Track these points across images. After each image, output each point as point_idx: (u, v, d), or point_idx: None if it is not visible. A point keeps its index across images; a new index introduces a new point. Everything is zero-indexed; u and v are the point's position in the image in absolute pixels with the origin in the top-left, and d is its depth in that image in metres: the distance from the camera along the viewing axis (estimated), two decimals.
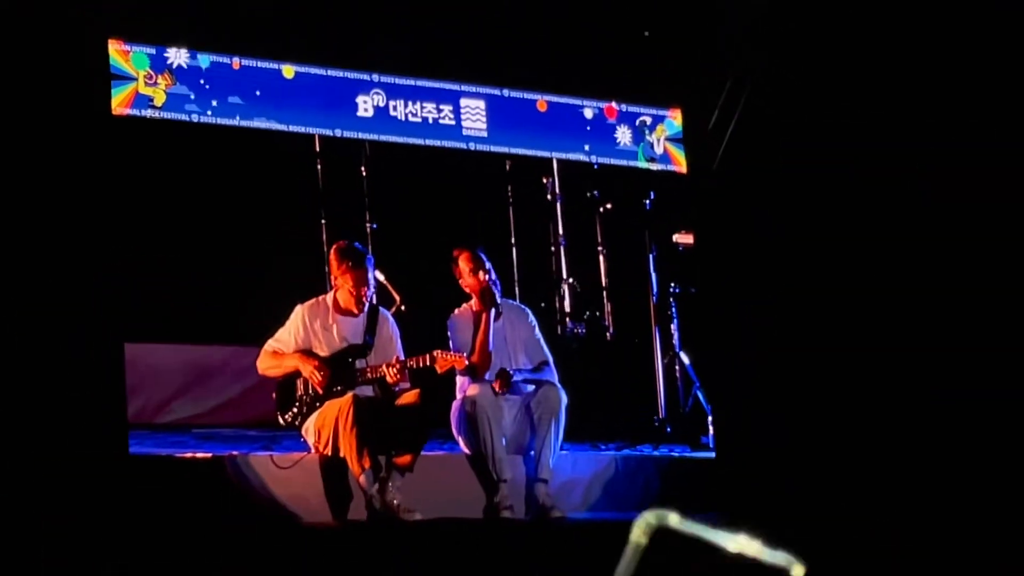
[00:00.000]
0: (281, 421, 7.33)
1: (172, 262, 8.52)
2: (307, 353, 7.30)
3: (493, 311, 7.55)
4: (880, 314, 7.78)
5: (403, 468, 7.10)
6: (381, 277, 8.36)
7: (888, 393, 7.70)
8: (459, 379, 7.59)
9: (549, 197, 10.15)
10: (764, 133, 7.98)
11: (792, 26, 8.07)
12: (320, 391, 7.22)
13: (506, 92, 8.74)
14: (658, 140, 9.12)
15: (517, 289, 9.62)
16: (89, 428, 6.18)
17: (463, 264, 7.62)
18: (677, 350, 9.66)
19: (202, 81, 7.81)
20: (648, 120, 9.11)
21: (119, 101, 7.47)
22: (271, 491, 7.11)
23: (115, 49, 7.48)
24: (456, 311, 7.71)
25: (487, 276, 7.58)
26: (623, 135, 9.07)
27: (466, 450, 7.48)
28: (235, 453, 7.32)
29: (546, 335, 7.96)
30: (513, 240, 9.89)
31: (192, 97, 7.76)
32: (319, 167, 8.95)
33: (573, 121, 8.94)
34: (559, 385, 7.60)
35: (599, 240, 10.17)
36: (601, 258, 10.22)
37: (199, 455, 7.32)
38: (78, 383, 6.18)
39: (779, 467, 7.78)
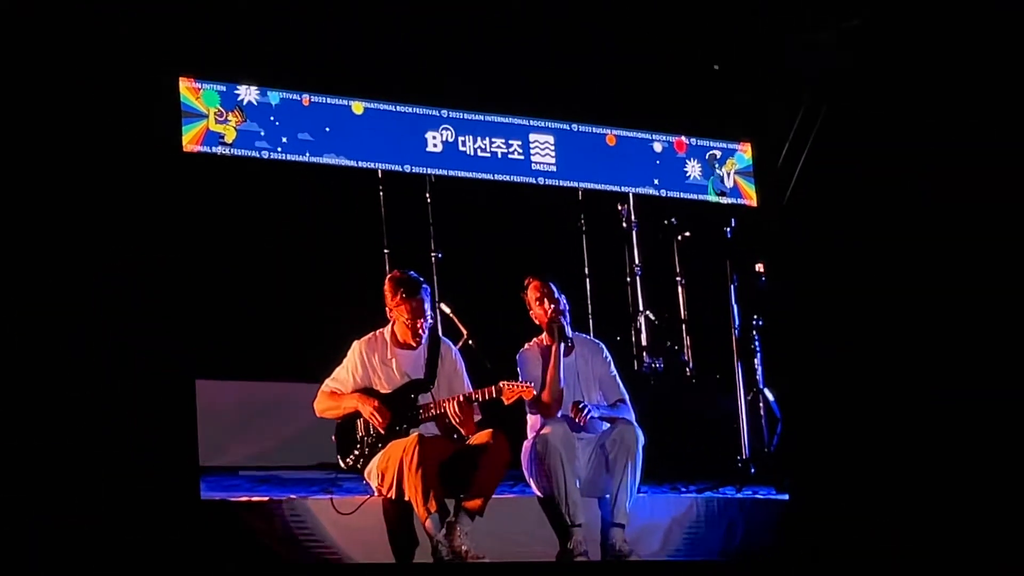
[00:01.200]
0: (342, 464, 7.30)
1: (234, 297, 8.60)
2: (366, 392, 7.27)
3: (563, 346, 7.52)
4: (958, 349, 8.03)
5: (473, 512, 7.01)
6: (447, 310, 8.48)
7: (970, 431, 7.88)
8: (530, 418, 7.55)
9: (624, 225, 10.11)
10: (835, 166, 8.30)
11: (862, 59, 8.39)
12: (382, 431, 7.17)
13: (575, 127, 8.88)
14: (728, 174, 9.19)
15: (591, 322, 9.55)
16: (158, 472, 6.41)
17: (531, 293, 7.63)
18: (761, 386, 9.60)
19: (272, 118, 8.03)
20: (718, 154, 9.20)
21: (190, 138, 7.69)
22: (331, 537, 7.07)
23: (186, 87, 7.71)
24: (526, 345, 7.70)
25: (553, 307, 7.56)
26: (693, 169, 9.16)
27: (538, 492, 7.41)
28: (292, 497, 7.30)
29: (622, 370, 7.91)
30: (587, 270, 9.82)
31: (262, 134, 7.99)
32: (381, 195, 9.03)
33: (642, 155, 9.06)
34: (636, 424, 7.54)
35: (677, 270, 10.13)
36: (680, 289, 10.16)
37: (255, 499, 7.24)
38: (147, 423, 6.40)
39: (855, 509, 7.94)
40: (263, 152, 7.99)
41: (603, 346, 7.85)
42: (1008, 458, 8.07)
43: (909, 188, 8.35)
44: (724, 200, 9.24)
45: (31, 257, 6.39)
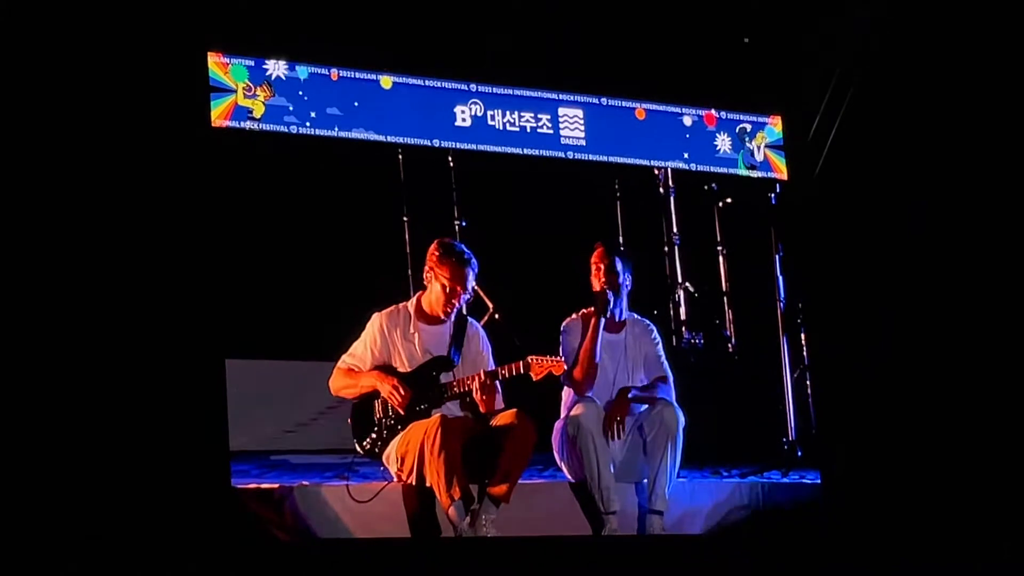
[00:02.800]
0: (359, 448, 7.23)
1: (253, 273, 8.72)
2: (385, 370, 7.21)
3: (602, 320, 7.52)
4: (998, 323, 8.17)
5: (498, 498, 6.96)
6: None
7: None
8: (564, 396, 7.55)
9: (661, 190, 10.10)
10: (866, 140, 8.57)
11: (893, 31, 8.66)
12: (402, 412, 7.11)
13: (604, 100, 9.11)
14: (758, 147, 9.42)
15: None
16: (188, 458, 6.50)
17: (593, 259, 7.66)
18: (808, 363, 9.58)
19: (300, 92, 8.31)
20: (748, 127, 9.45)
21: (218, 113, 7.96)
22: (347, 527, 7.01)
23: (214, 61, 7.98)
24: (573, 315, 7.70)
25: (609, 278, 7.59)
26: (723, 142, 9.38)
27: (570, 477, 7.40)
28: (305, 483, 7.26)
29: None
30: (621, 239, 9.83)
31: (291, 108, 8.28)
32: (400, 159, 9.09)
33: (672, 129, 9.30)
34: (676, 404, 7.50)
35: (718, 238, 10.11)
36: (721, 259, 10.14)
37: (264, 485, 7.18)
38: (176, 405, 6.51)
39: (889, 495, 8.04)
40: (292, 127, 8.27)
41: (655, 327, 7.84)
42: None
43: (942, 160, 8.50)
44: (754, 174, 9.41)
45: (59, 234, 6.48)
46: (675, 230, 10.05)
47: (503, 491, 6.91)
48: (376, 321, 7.26)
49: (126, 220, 6.57)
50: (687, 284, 10.02)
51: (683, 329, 9.92)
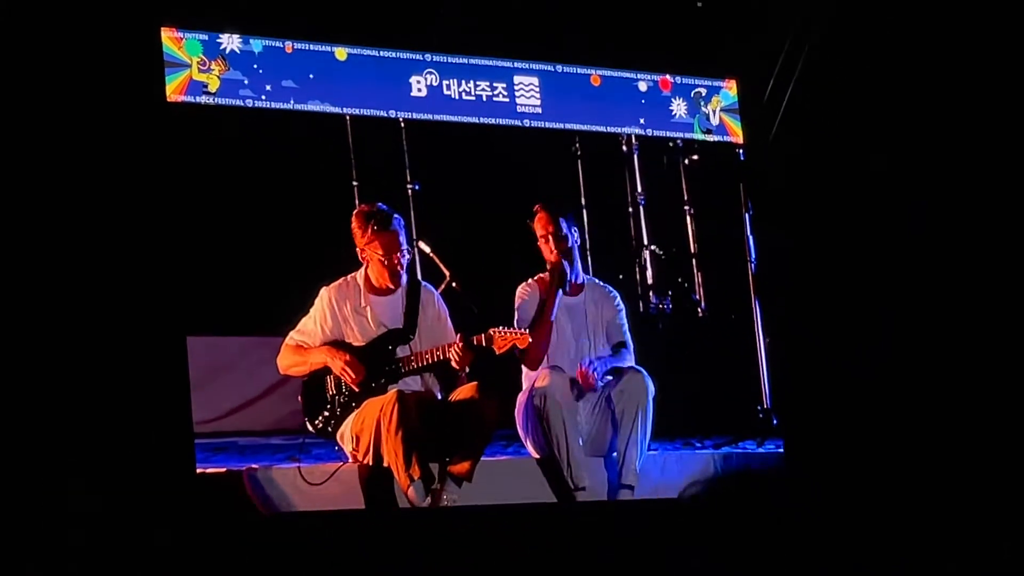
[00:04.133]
0: (310, 427, 7.19)
1: (211, 248, 8.72)
2: (337, 345, 7.16)
3: (560, 293, 7.51)
4: (970, 288, 8.09)
5: (460, 477, 6.95)
6: (427, 249, 8.42)
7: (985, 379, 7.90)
8: (525, 369, 7.51)
9: (625, 148, 9.95)
10: (820, 102, 8.65)
11: None
12: (356, 389, 7.07)
13: (560, 68, 9.37)
14: (714, 111, 9.68)
15: (590, 258, 9.42)
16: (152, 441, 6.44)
17: (538, 226, 7.65)
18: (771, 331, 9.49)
19: (255, 66, 8.52)
20: (703, 91, 9.71)
21: (173, 88, 8.18)
22: (300, 511, 6.91)
23: (168, 36, 8.19)
24: (526, 282, 7.67)
25: (559, 246, 7.56)
26: (678, 107, 9.64)
27: (535, 454, 7.37)
28: (255, 467, 7.15)
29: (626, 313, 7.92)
30: (583, 201, 9.73)
31: (246, 82, 8.50)
32: (348, 123, 9.03)
33: (627, 94, 9.55)
34: (644, 372, 7.47)
35: (685, 198, 10.01)
36: (688, 219, 10.03)
37: (210, 470, 7.10)
38: (136, 385, 6.44)
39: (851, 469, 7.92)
40: (247, 100, 8.48)
41: (617, 294, 7.85)
42: None
43: (899, 121, 8.54)
44: (710, 138, 9.63)
45: (14, 212, 6.46)
46: (639, 189, 9.94)
47: (465, 469, 6.90)
48: (325, 295, 7.21)
49: (83, 197, 6.55)
50: (653, 246, 9.93)
51: (650, 294, 9.82)
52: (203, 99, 8.29)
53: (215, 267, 8.59)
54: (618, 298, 7.80)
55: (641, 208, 9.94)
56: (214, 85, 8.30)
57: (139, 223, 6.66)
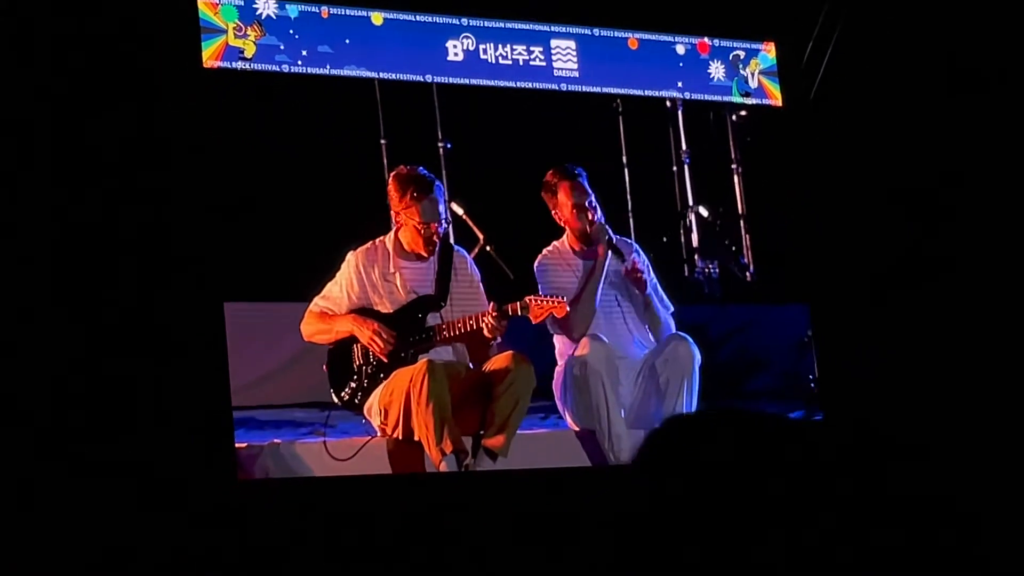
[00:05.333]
0: (336, 399, 7.18)
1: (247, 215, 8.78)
2: (364, 313, 7.14)
3: (609, 254, 7.65)
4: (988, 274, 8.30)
5: (495, 451, 6.99)
6: (460, 211, 8.33)
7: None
8: (557, 340, 7.51)
9: (668, 104, 9.76)
10: (861, 64, 8.82)
11: None
12: (384, 359, 7.05)
13: (597, 31, 9.46)
14: (752, 74, 9.75)
15: (631, 221, 9.30)
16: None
17: (562, 196, 7.72)
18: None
19: (291, 31, 8.64)
20: (741, 54, 9.77)
21: (209, 54, 8.28)
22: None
23: (204, 2, 8.28)
24: (546, 251, 7.70)
25: (594, 213, 7.70)
26: (716, 70, 9.71)
27: (574, 426, 7.34)
28: (277, 441, 7.19)
29: (670, 277, 8.03)
30: (624, 159, 9.53)
31: (282, 48, 8.62)
32: (376, 84, 8.97)
33: (665, 58, 9.65)
34: (690, 339, 7.54)
35: (733, 155, 9.78)
36: (736, 178, 9.80)
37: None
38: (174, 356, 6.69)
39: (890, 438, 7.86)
40: (283, 66, 8.59)
41: (637, 247, 8.00)
42: None
43: (937, 85, 8.68)
44: (749, 101, 9.66)
45: (51, 182, 6.64)
46: (685, 147, 9.75)
47: (500, 443, 6.94)
48: (352, 260, 7.22)
49: (122, 163, 6.74)
50: (699, 208, 9.72)
51: (695, 257, 9.61)
52: (239, 65, 8.43)
53: (246, 233, 8.53)
54: (640, 251, 7.97)
55: (686, 166, 9.75)
56: (250, 51, 8.44)
57: (174, 191, 6.89)
